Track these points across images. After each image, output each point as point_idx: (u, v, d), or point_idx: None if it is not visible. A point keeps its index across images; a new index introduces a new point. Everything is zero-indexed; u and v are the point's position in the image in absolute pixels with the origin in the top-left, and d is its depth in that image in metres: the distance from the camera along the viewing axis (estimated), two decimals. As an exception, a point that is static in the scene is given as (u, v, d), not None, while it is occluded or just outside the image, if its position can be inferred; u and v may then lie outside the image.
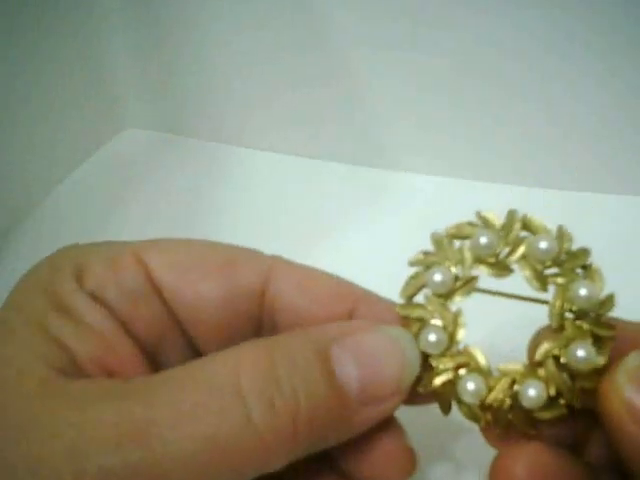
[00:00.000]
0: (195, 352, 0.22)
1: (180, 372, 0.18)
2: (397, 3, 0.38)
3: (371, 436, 0.20)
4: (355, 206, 0.41)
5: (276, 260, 0.22)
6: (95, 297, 0.20)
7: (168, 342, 0.22)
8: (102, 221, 0.41)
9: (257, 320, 0.22)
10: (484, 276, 0.20)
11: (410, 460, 0.20)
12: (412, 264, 0.21)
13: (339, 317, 0.21)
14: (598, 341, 0.19)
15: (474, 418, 0.20)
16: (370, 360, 0.19)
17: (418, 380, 0.20)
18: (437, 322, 0.20)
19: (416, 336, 0.20)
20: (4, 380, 0.17)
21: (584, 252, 0.20)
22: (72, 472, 0.16)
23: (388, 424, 0.20)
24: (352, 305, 0.21)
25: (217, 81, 0.45)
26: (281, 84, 0.43)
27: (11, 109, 0.40)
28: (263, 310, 0.22)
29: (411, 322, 0.20)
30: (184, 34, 0.44)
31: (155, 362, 0.21)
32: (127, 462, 0.16)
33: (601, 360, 0.19)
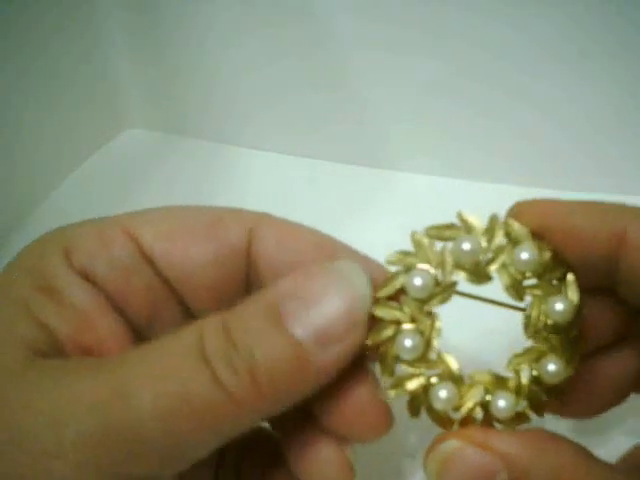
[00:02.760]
0: (189, 320, 0.22)
1: (151, 344, 0.18)
2: (395, 7, 0.38)
3: (342, 386, 0.19)
4: (355, 206, 0.41)
5: (261, 216, 0.22)
6: (85, 273, 0.20)
7: (162, 313, 0.22)
8: (103, 221, 0.41)
9: (246, 278, 0.22)
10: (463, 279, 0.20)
11: (384, 414, 0.20)
12: (390, 263, 0.20)
13: None
14: (566, 355, 0.19)
15: (442, 424, 0.20)
16: (318, 301, 0.18)
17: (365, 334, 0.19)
18: (413, 326, 0.20)
19: (391, 340, 0.20)
20: None
21: (562, 264, 0.20)
22: (53, 442, 0.17)
23: (359, 374, 0.20)
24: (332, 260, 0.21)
25: (218, 81, 0.45)
26: (282, 84, 0.44)
27: (13, 109, 0.40)
28: (250, 267, 0.22)
29: (386, 324, 0.20)
30: (186, 35, 0.44)
31: (145, 339, 0.21)
32: (103, 423, 0.17)
33: (568, 374, 0.19)
